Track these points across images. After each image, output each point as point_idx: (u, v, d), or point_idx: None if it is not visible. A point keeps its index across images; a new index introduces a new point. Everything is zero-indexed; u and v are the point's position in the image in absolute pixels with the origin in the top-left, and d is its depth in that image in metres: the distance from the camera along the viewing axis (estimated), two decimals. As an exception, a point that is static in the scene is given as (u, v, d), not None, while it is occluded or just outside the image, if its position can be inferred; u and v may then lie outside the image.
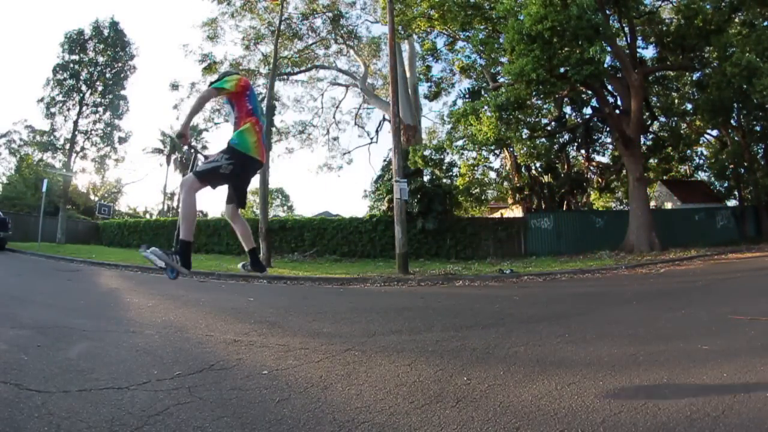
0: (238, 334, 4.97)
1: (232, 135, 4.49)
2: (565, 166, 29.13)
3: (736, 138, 26.91)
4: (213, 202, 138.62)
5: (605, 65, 17.66)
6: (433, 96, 28.16)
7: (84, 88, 30.67)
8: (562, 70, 16.69)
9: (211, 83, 4.69)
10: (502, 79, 22.40)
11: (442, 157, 21.75)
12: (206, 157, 4.67)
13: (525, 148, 23.80)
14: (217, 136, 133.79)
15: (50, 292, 8.46)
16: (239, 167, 4.34)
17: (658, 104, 25.98)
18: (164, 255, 4.11)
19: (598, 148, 29.81)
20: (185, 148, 4.56)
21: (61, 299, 7.57)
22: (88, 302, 7.22)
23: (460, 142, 20.87)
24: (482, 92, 26.25)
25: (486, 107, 18.97)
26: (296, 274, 12.97)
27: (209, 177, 4.24)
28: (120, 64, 32.21)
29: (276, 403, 2.93)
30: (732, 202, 29.26)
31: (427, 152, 21.57)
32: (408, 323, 5.76)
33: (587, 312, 6.61)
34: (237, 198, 4.78)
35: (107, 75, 31.49)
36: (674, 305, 6.76)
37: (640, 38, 22.63)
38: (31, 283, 9.93)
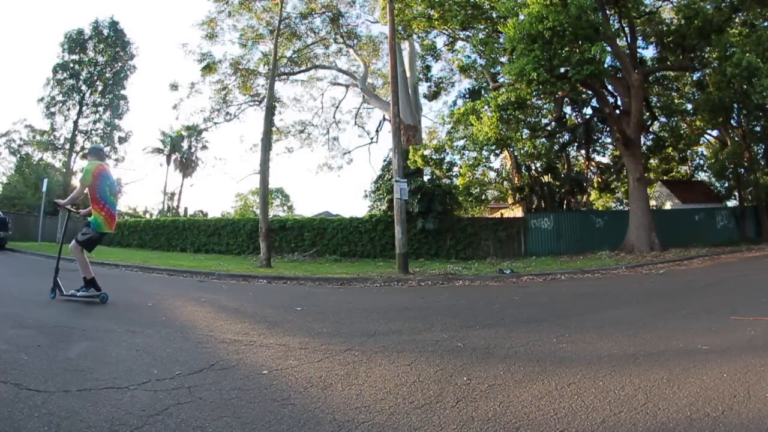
0: (238, 334, 4.97)
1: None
2: (565, 166, 29.15)
3: (736, 138, 26.93)
4: (214, 201, 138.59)
5: (605, 65, 17.66)
6: (433, 96, 28.05)
7: (84, 87, 30.77)
8: (562, 70, 16.69)
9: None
10: (502, 79, 22.40)
11: (442, 156, 21.76)
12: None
13: (525, 148, 23.85)
14: (216, 136, 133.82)
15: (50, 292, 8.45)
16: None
17: (658, 104, 25.96)
18: None
19: (598, 148, 29.86)
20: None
21: (62, 299, 7.55)
22: (88, 302, 7.10)
23: (460, 142, 20.89)
24: (482, 92, 26.24)
25: (486, 107, 18.99)
26: (296, 274, 12.96)
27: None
28: (120, 64, 32.33)
29: (276, 403, 2.93)
30: (732, 203, 29.30)
31: (427, 152, 21.56)
32: (408, 323, 5.77)
33: (587, 312, 6.62)
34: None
35: (107, 75, 31.58)
36: (674, 306, 6.78)
37: (640, 38, 22.61)
38: (31, 283, 9.87)
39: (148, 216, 50.43)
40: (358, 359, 4.02)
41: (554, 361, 3.91)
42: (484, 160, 20.89)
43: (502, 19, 19.00)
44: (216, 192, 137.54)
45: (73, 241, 7.00)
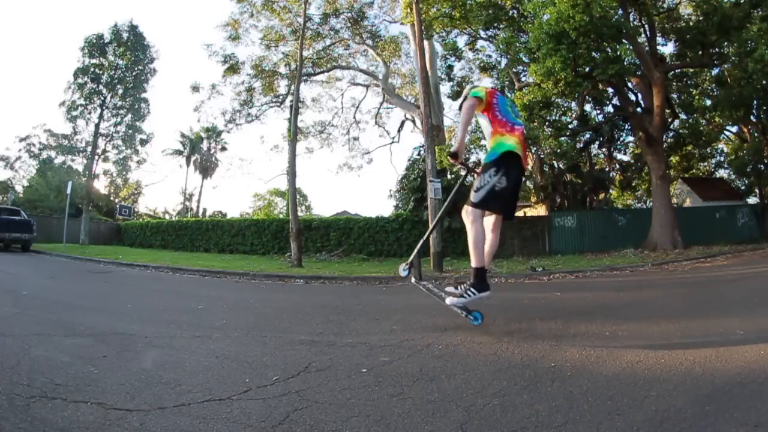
0: (311, 335, 4.98)
1: (490, 150, 4.72)
2: (587, 165, 29.18)
3: (755, 134, 26.83)
4: (232, 202, 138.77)
5: (627, 63, 17.70)
6: (456, 95, 28.01)
7: (105, 91, 31.13)
8: (587, 69, 16.76)
9: (464, 97, 4.92)
10: (526, 79, 22.48)
11: (468, 156, 21.87)
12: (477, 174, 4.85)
13: (550, 147, 23.92)
14: (235, 137, 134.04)
15: (92, 296, 8.52)
16: (513, 176, 4.62)
17: (677, 101, 25.88)
18: (462, 302, 4.50)
19: (619, 146, 29.87)
20: (457, 167, 4.75)
21: (106, 303, 7.61)
22: (136, 306, 7.17)
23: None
24: (505, 91, 26.29)
25: (513, 106, 19.02)
26: (332, 274, 13.13)
27: (487, 202, 4.65)
28: (140, 67, 32.67)
29: (394, 398, 3.00)
30: (753, 199, 29.23)
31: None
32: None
33: (629, 306, 7.01)
34: (509, 209, 5.01)
35: (128, 78, 31.95)
36: (707, 299, 7.51)
37: (659, 35, 22.55)
38: (67, 286, 10.03)
39: (167, 217, 50.98)
40: (444, 353, 4.15)
41: (617, 345, 4.27)
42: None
43: (524, 18, 19.10)
44: (234, 193, 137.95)
45: (467, 204, 4.96)
